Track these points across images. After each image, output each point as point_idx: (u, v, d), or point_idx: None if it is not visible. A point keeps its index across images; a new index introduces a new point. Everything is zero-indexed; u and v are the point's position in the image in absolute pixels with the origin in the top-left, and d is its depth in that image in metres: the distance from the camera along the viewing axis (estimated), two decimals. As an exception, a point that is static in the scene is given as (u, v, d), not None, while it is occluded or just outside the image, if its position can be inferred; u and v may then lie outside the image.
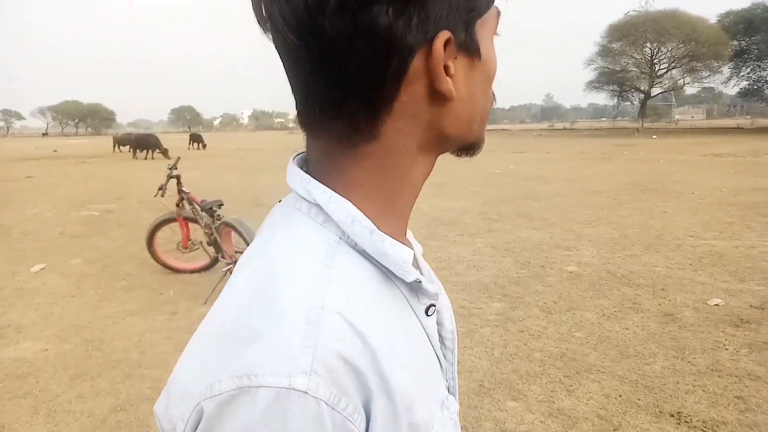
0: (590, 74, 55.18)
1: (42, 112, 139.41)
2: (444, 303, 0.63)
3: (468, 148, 0.55)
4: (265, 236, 0.50)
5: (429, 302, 0.54)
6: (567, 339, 3.70)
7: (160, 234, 5.42)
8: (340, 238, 0.48)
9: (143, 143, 25.34)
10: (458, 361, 2.77)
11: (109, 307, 4.55)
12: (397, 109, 0.47)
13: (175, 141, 38.99)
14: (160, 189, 5.16)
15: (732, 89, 58.23)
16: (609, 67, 53.46)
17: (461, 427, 2.66)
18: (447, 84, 0.46)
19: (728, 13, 49.68)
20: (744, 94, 54.21)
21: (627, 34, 49.52)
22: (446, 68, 0.46)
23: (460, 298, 4.53)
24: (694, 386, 3.02)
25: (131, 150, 26.10)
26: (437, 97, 0.47)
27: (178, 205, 5.29)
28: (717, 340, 3.58)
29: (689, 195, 9.60)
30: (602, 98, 61.36)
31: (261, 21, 0.46)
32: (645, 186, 10.94)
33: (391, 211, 0.52)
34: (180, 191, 5.27)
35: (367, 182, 0.49)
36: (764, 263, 5.22)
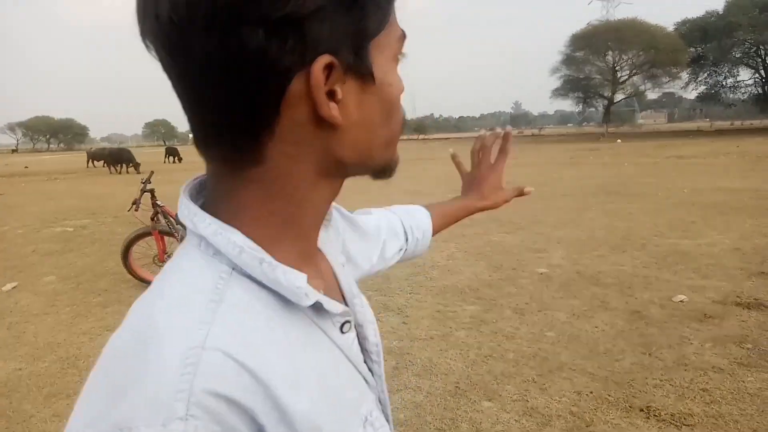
0: (556, 82, 56.54)
1: (11, 128, 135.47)
2: (366, 317, 0.60)
3: (377, 172, 0.53)
4: (160, 275, 0.48)
5: (343, 319, 0.53)
6: (539, 339, 3.79)
7: (136, 248, 5.35)
8: (233, 269, 0.46)
9: (117, 158, 25.39)
10: (434, 364, 2.83)
11: (84, 324, 4.47)
12: (280, 134, 0.44)
13: (150, 155, 38.30)
14: (134, 203, 5.13)
15: (691, 94, 60.30)
16: (573, 75, 54.81)
17: (437, 429, 2.72)
18: (329, 110, 0.43)
19: (684, 22, 51.52)
20: (702, 98, 56.09)
21: (589, 43, 50.88)
22: (333, 93, 0.44)
23: (435, 302, 4.62)
24: (661, 380, 3.12)
25: (106, 165, 26.06)
26: (324, 122, 0.44)
27: (153, 219, 5.24)
28: (682, 336, 3.71)
29: (653, 196, 9.90)
30: (568, 105, 63.01)
31: (142, 37, 0.44)
32: (611, 189, 11.23)
33: (288, 236, 0.50)
34: (155, 205, 5.24)
35: (256, 208, 0.47)
36: (725, 260, 5.42)
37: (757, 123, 64.57)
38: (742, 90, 53.48)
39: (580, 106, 60.89)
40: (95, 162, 28.86)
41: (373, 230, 0.85)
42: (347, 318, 0.53)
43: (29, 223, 9.87)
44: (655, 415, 2.79)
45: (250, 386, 0.40)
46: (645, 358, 3.41)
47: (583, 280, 5.07)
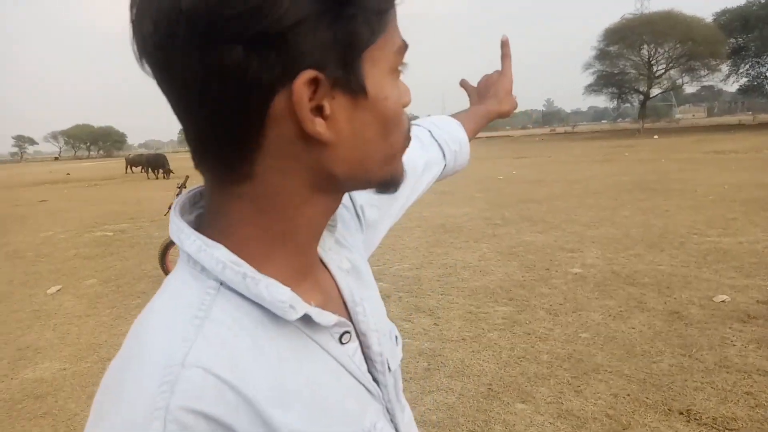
0: (589, 78, 55.27)
1: (54, 136, 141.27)
2: (369, 325, 0.58)
3: (378, 186, 0.52)
4: (157, 291, 0.49)
5: (341, 330, 0.52)
6: (573, 340, 3.74)
7: (173, 251, 5.49)
8: (221, 284, 0.45)
9: (154, 163, 26.18)
10: (466, 366, 2.81)
11: (124, 326, 4.59)
12: (268, 150, 0.44)
13: (185, 160, 39.17)
14: (170, 208, 5.27)
15: (732, 86, 58.26)
16: (607, 70, 53.48)
17: (470, 431, 2.70)
18: (315, 126, 0.42)
19: (724, 12, 49.74)
20: (744, 90, 54.11)
21: (623, 37, 49.60)
22: (321, 108, 0.42)
23: (467, 303, 4.59)
24: (702, 383, 3.04)
25: (143, 170, 27.05)
26: (313, 138, 0.43)
27: (188, 223, 5.38)
28: (724, 337, 3.60)
29: (691, 193, 9.62)
30: (602, 101, 61.33)
31: (135, 54, 0.44)
32: (646, 185, 10.97)
33: (282, 251, 0.49)
34: (189, 209, 5.37)
35: (247, 223, 0.47)
36: (768, 258, 5.24)
37: (803, 115, 62.03)
38: (787, 81, 51.38)
39: (615, 102, 59.51)
40: (133, 168, 29.98)
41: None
42: (345, 329, 0.53)
43: (71, 228, 10.26)
44: (695, 419, 2.72)
45: (233, 402, 0.41)
46: (684, 360, 3.33)
47: (619, 279, 4.97)
